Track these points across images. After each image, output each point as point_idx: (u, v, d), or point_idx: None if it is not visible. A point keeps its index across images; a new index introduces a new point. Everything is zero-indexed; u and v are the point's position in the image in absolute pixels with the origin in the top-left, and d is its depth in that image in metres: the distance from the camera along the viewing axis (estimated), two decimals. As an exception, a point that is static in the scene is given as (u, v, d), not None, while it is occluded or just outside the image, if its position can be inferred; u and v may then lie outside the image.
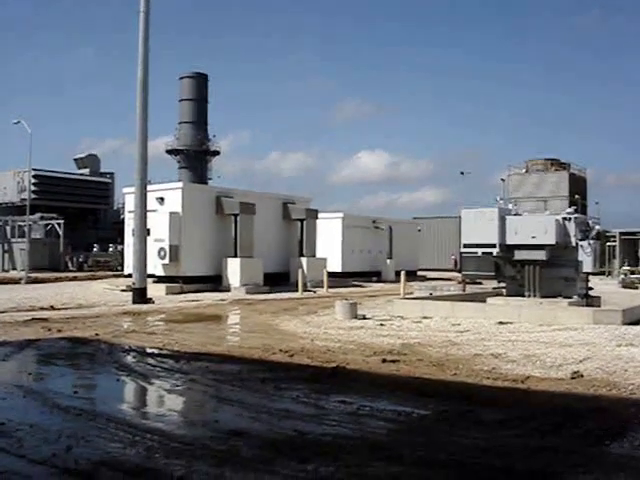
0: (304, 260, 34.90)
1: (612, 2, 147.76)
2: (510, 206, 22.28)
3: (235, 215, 31.49)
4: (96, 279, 39.58)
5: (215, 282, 30.40)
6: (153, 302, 23.58)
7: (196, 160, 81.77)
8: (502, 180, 54.96)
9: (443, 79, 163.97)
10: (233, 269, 30.49)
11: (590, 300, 20.62)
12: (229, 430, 6.91)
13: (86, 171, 73.02)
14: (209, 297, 26.38)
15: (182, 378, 10.05)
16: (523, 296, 20.19)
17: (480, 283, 29.28)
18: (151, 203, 26.92)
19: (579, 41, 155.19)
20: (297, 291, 29.58)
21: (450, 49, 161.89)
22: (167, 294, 27.52)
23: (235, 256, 30.86)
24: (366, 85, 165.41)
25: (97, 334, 14.75)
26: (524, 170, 62.08)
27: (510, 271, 20.78)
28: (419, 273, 49.03)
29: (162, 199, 30.30)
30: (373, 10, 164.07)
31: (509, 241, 19.93)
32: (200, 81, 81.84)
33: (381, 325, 16.57)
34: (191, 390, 9.41)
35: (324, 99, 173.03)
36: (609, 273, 45.65)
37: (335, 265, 40.15)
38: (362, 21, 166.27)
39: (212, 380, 9.79)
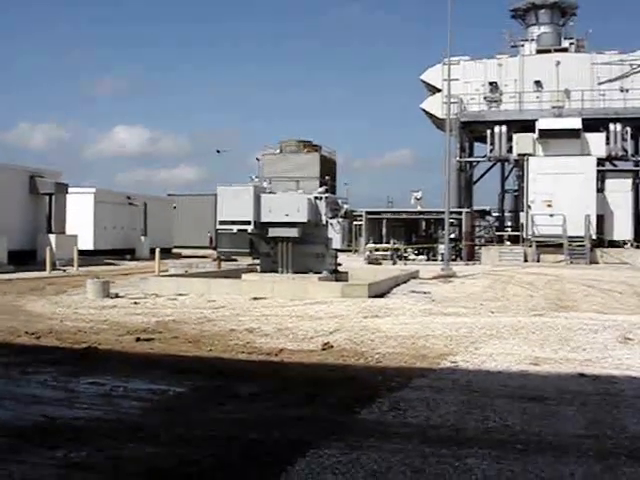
0: (53, 237, 33.15)
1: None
2: (265, 184, 22.76)
3: (-26, 188, 29.16)
4: None
5: (-49, 261, 27.99)
6: None
7: None
8: (257, 159, 55.76)
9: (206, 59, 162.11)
10: (-28, 247, 28.25)
11: (339, 275, 21.71)
12: (-31, 420, 6.37)
13: None
14: (-56, 277, 24.25)
15: None
16: (277, 272, 20.77)
17: (235, 260, 29.66)
18: None
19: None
20: (45, 270, 28.04)
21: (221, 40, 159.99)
22: None
23: (-26, 233, 28.61)
24: (128, 60, 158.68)
25: None
26: (278, 150, 63.61)
27: (264, 248, 21.26)
28: (174, 251, 48.67)
29: None
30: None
31: (264, 219, 20.37)
32: None
33: (135, 303, 16.20)
34: None
35: (84, 71, 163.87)
36: (356, 250, 48.17)
37: (87, 242, 38.58)
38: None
39: (-52, 367, 8.97)
